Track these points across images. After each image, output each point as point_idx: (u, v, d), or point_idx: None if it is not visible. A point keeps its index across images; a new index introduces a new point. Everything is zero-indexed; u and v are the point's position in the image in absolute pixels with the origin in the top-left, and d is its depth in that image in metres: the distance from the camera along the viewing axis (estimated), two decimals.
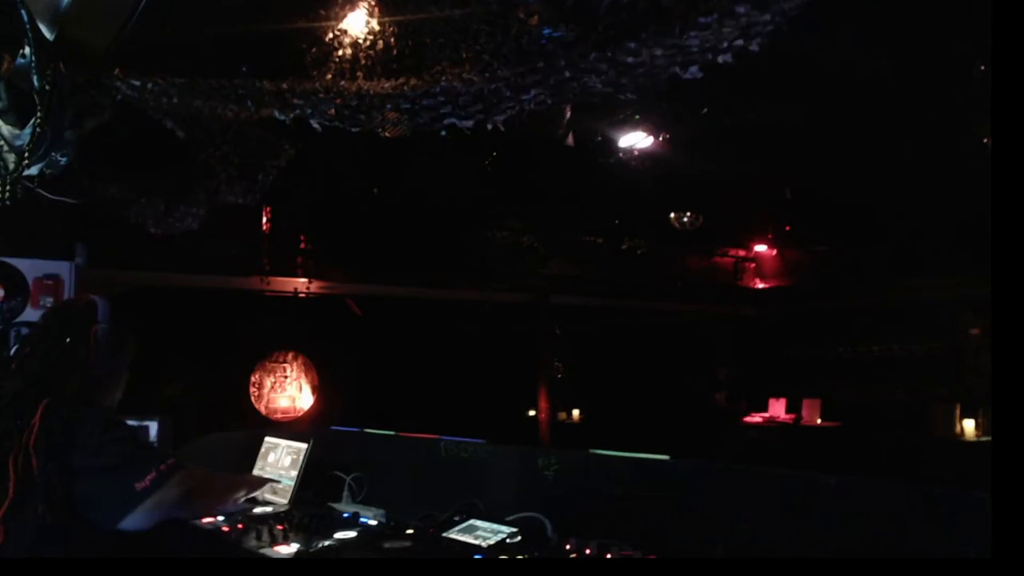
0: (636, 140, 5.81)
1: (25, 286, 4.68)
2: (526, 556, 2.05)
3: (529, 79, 2.41)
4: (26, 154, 2.31)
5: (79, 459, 1.74)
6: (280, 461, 3.13)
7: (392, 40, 2.86)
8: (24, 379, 1.82)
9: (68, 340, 1.89)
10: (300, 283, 7.76)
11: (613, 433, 7.48)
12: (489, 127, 2.62)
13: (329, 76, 2.86)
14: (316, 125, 2.78)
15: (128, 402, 2.12)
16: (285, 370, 8.37)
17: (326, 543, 2.29)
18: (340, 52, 2.98)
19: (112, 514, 1.77)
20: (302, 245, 7.93)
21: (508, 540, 2.15)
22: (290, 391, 8.36)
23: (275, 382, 8.29)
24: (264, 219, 7.47)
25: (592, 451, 2.45)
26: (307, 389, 8.45)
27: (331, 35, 2.98)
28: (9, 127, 2.38)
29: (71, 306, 2.09)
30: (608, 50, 2.28)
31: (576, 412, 10.26)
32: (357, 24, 2.96)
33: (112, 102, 2.73)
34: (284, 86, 2.72)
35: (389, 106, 2.68)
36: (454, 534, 2.25)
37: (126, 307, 2.05)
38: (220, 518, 2.52)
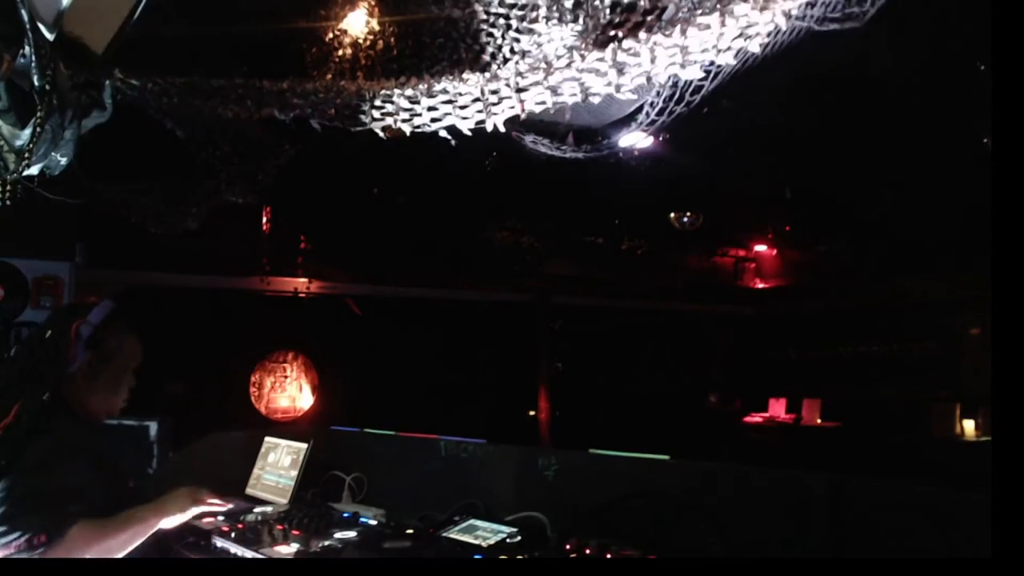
0: (636, 140, 5.81)
1: (25, 286, 4.69)
2: (526, 556, 2.05)
3: (529, 79, 2.40)
4: (26, 154, 2.30)
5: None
6: (280, 461, 3.14)
7: (392, 40, 2.86)
8: (11, 374, 1.80)
9: (48, 334, 1.85)
10: (300, 283, 7.75)
11: (613, 433, 7.48)
12: (489, 127, 2.60)
13: (329, 76, 2.86)
14: (316, 125, 2.77)
15: (128, 402, 2.10)
16: (285, 370, 8.36)
17: (326, 543, 2.28)
18: (340, 52, 2.98)
19: None
20: (302, 245, 7.93)
21: (508, 540, 2.15)
22: (290, 391, 8.35)
23: (275, 382, 8.28)
24: (264, 219, 7.47)
25: (592, 451, 2.45)
26: (307, 389, 8.44)
27: (331, 35, 2.98)
28: (9, 127, 2.37)
29: (66, 305, 2.05)
30: (608, 50, 2.27)
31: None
32: (357, 24, 2.96)
33: (112, 102, 2.73)
34: (284, 86, 2.71)
35: (389, 106, 2.66)
36: (454, 534, 2.25)
37: (126, 307, 2.03)
38: (220, 518, 2.52)
